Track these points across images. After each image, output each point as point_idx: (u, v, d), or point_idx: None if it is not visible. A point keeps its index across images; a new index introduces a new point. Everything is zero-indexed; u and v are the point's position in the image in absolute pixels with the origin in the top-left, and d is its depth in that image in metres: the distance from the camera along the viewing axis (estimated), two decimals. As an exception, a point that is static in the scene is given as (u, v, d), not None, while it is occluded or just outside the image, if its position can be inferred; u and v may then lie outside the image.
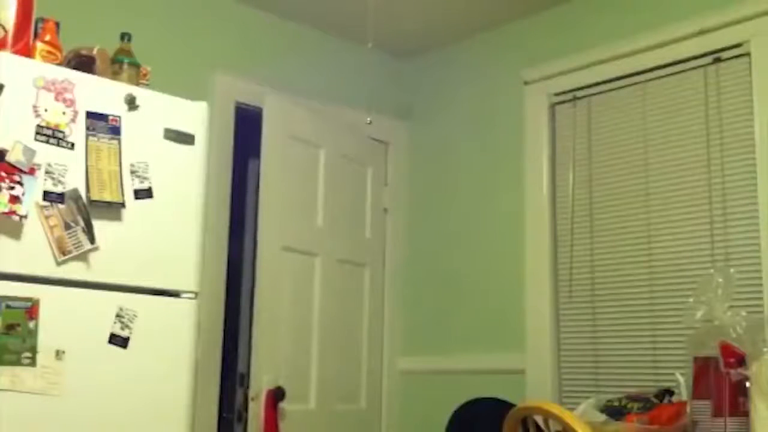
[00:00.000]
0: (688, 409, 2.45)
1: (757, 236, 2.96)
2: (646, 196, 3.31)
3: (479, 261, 3.85)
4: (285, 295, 3.52)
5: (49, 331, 2.30)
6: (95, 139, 2.47)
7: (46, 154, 2.36)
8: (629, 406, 2.66)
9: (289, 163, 3.60)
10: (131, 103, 2.56)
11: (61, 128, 2.41)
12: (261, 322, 3.40)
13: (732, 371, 2.34)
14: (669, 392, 2.70)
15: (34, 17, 2.59)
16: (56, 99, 2.41)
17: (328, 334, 3.72)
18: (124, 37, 2.78)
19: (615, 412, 2.65)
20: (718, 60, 3.16)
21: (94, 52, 2.66)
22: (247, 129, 3.63)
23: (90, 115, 2.47)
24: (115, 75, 2.68)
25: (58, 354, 2.32)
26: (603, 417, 2.61)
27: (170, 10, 3.51)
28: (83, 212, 2.41)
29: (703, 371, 2.40)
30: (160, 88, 2.70)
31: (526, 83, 3.76)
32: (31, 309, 2.28)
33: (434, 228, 4.10)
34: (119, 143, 2.51)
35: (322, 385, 3.65)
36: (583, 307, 3.45)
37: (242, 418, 3.45)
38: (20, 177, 2.30)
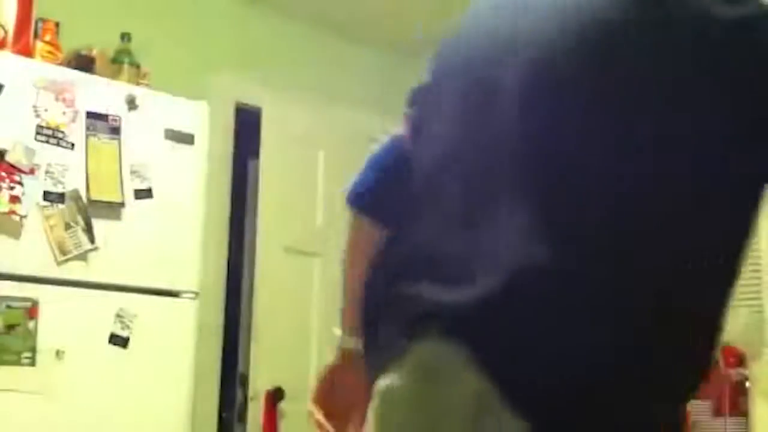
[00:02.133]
0: (688, 409, 2.45)
1: (757, 236, 2.96)
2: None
3: (479, 261, 3.83)
4: (285, 295, 3.52)
5: (49, 331, 2.30)
6: (95, 139, 2.47)
7: (46, 154, 2.36)
8: (629, 406, 2.66)
9: (288, 163, 3.60)
10: (131, 103, 2.56)
11: (61, 128, 2.41)
12: (261, 322, 3.40)
13: (732, 371, 2.34)
14: (669, 392, 2.69)
15: (34, 17, 2.59)
16: (56, 99, 2.40)
17: (327, 334, 3.70)
18: (124, 37, 2.78)
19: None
20: (717, 60, 3.15)
21: (94, 52, 2.66)
22: (247, 129, 3.62)
23: (90, 115, 2.47)
24: (115, 75, 2.68)
25: (58, 354, 2.32)
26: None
27: (170, 10, 3.50)
28: (83, 212, 2.40)
29: (703, 371, 2.40)
30: (160, 88, 2.70)
31: (525, 83, 3.74)
32: (31, 309, 2.28)
33: (434, 228, 4.09)
34: (119, 143, 2.51)
35: (321, 385, 3.64)
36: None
37: (242, 418, 3.45)
38: (20, 177, 2.30)
